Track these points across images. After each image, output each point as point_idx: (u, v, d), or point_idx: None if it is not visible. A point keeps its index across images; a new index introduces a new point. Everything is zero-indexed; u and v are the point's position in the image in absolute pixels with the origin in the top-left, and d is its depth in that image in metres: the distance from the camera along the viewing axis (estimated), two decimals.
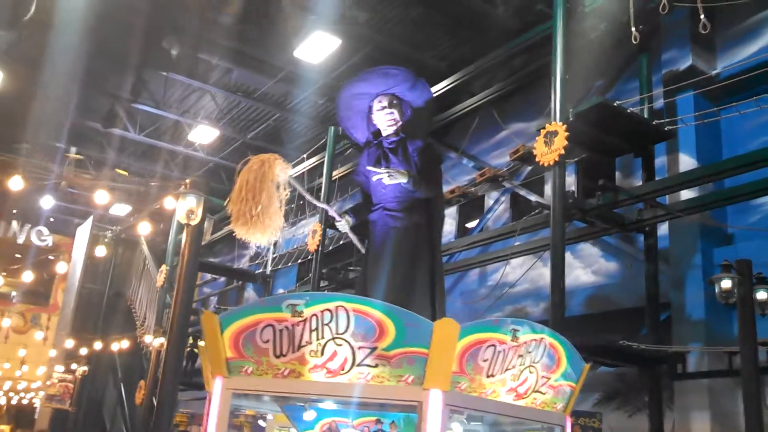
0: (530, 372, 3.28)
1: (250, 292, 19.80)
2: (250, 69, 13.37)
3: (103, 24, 11.70)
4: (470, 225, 13.03)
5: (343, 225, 4.26)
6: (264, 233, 3.81)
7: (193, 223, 7.44)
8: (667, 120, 8.81)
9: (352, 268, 14.21)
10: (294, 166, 13.61)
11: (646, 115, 8.92)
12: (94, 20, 11.37)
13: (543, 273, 11.07)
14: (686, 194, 8.62)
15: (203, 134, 15.79)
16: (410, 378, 2.95)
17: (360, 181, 4.40)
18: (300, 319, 2.99)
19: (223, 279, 20.95)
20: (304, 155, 14.44)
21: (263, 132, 15.99)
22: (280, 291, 17.31)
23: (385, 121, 4.23)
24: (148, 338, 14.95)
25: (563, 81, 7.83)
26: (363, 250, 4.33)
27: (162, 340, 14.45)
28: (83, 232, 20.98)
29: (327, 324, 2.99)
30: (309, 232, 12.59)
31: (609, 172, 10.10)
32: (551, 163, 7.66)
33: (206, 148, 16.65)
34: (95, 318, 20.47)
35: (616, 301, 10.09)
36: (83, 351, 19.67)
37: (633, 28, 7.01)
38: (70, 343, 19.62)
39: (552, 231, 7.73)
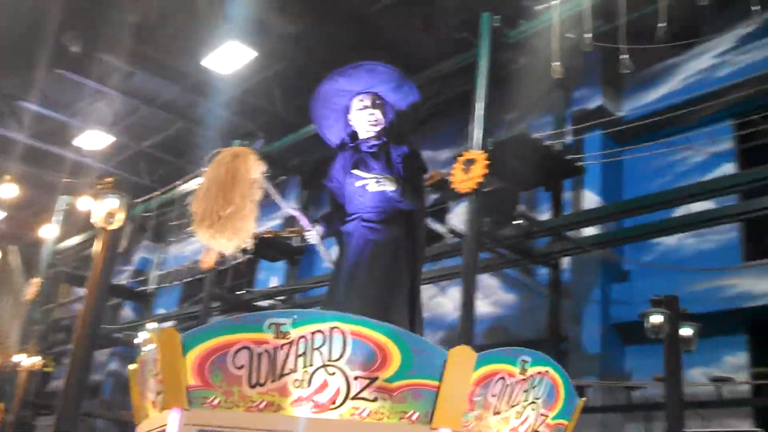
0: (532, 409, 2.97)
1: (127, 311, 18.82)
2: (153, 74, 12.73)
3: None
4: None
5: (314, 236, 3.80)
6: (232, 238, 3.32)
7: (112, 227, 6.81)
8: (576, 156, 9.10)
9: (247, 289, 13.74)
10: (191, 180, 13.08)
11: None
12: None
13: (441, 302, 11.09)
14: (589, 230, 8.90)
15: (95, 139, 14.87)
16: (415, 415, 2.58)
17: (332, 188, 3.92)
18: (285, 341, 2.55)
19: None
20: (204, 169, 13.81)
21: (162, 142, 15.22)
22: (162, 311, 16.57)
23: (366, 122, 3.83)
24: (18, 357, 13.66)
25: (485, 109, 7.91)
26: (332, 265, 3.87)
27: (37, 359, 13.36)
28: None
29: (318, 348, 2.56)
30: (203, 248, 12.04)
31: (513, 204, 10.28)
32: (469, 190, 7.69)
33: (97, 154, 15.68)
34: None
35: (515, 333, 10.20)
36: None
37: (557, 63, 7.18)
38: None
39: (464, 259, 7.69)
